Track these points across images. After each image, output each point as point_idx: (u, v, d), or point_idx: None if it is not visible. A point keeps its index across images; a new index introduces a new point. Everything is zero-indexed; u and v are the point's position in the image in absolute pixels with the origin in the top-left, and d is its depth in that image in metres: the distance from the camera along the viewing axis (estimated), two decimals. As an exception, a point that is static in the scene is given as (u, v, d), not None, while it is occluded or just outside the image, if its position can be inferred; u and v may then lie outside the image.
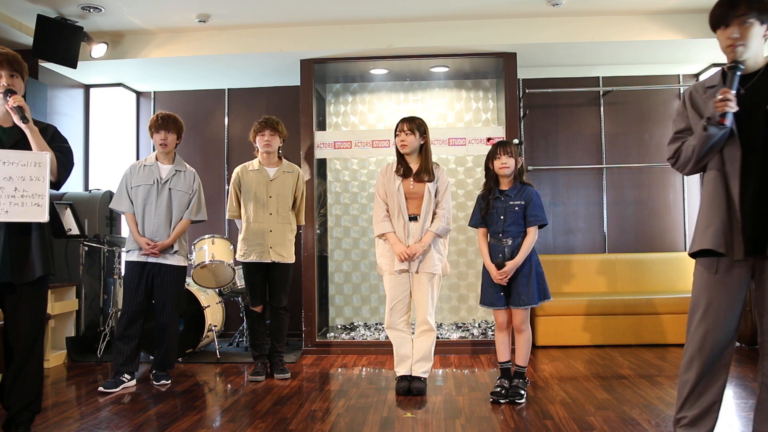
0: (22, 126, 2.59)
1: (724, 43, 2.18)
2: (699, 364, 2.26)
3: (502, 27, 4.94)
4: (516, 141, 3.63)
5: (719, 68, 2.29)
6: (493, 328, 5.33)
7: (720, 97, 2.09)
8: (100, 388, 3.81)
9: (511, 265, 3.41)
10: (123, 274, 4.12)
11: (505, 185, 3.53)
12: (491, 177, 3.56)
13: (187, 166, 4.15)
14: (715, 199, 2.19)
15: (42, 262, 2.66)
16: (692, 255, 2.29)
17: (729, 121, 2.09)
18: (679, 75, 5.76)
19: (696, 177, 5.39)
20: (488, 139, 3.71)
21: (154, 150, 4.15)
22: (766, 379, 2.20)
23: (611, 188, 5.85)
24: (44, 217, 2.57)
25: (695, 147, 2.20)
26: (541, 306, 4.81)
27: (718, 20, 2.18)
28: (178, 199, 4.04)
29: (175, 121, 4.06)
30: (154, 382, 4.00)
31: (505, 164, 3.47)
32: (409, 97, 5.90)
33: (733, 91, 2.09)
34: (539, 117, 5.87)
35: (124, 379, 3.90)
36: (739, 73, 2.13)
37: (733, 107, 2.07)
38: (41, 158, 2.58)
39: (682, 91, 2.37)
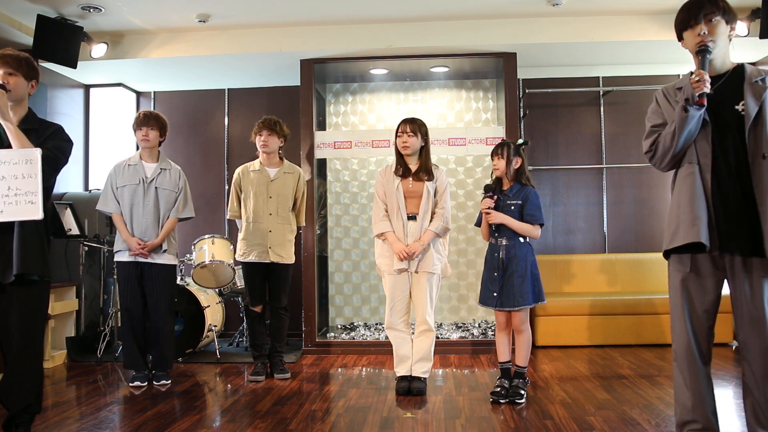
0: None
1: (692, 41, 2.25)
2: (685, 363, 2.31)
3: (502, 27, 4.94)
4: (520, 141, 3.62)
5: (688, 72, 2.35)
6: (493, 328, 5.33)
7: (696, 78, 2.15)
8: (131, 384, 3.92)
9: (498, 216, 3.42)
10: (115, 274, 4.14)
11: (505, 185, 3.54)
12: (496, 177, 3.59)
13: (172, 163, 4.16)
14: (698, 193, 2.22)
15: (19, 261, 2.57)
16: (670, 251, 2.30)
17: (707, 100, 2.16)
18: (679, 75, 5.75)
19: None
20: (501, 139, 3.72)
21: (139, 150, 4.14)
22: (747, 379, 2.22)
23: (611, 188, 5.85)
24: (38, 215, 2.51)
25: (674, 132, 2.24)
26: (541, 306, 4.83)
27: (686, 22, 2.27)
28: (165, 198, 4.04)
29: (157, 117, 4.07)
30: (154, 383, 4.01)
31: (495, 165, 3.52)
32: (409, 97, 5.90)
33: (705, 73, 2.16)
34: (539, 117, 5.87)
35: (146, 372, 4.04)
36: (709, 55, 2.21)
37: (708, 87, 2.14)
38: (32, 155, 2.52)
39: (675, 86, 2.43)
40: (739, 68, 2.26)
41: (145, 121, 4.02)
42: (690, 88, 2.17)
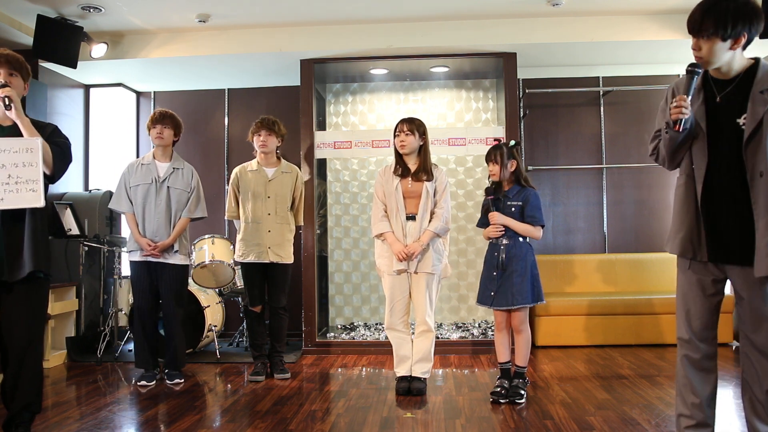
0: (13, 115, 2.59)
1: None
2: (684, 358, 2.33)
3: (502, 27, 4.94)
4: (512, 143, 3.61)
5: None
6: (493, 328, 5.33)
7: (674, 104, 2.14)
8: (139, 383, 3.95)
9: (500, 217, 3.45)
10: (129, 274, 4.17)
11: (505, 186, 3.54)
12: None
13: (185, 163, 4.16)
14: (684, 205, 2.28)
15: (32, 258, 2.61)
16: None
17: (683, 126, 2.15)
18: (679, 75, 5.75)
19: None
20: (495, 140, 3.70)
21: (152, 149, 4.16)
22: (747, 375, 2.23)
23: (611, 188, 5.85)
24: (40, 202, 2.55)
25: (663, 147, 2.29)
26: (542, 306, 4.83)
27: (689, 30, 2.20)
28: (177, 198, 4.05)
29: (171, 116, 4.09)
30: (168, 382, 4.03)
31: (491, 171, 3.53)
32: (409, 97, 5.90)
33: (689, 97, 2.14)
34: (539, 117, 5.87)
35: (155, 372, 4.07)
36: (696, 78, 2.18)
37: (686, 113, 2.13)
38: (32, 144, 2.56)
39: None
40: (752, 70, 2.18)
41: (159, 119, 4.04)
42: (669, 111, 2.17)
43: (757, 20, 2.13)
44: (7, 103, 2.57)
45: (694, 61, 2.18)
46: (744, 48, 2.19)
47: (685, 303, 2.33)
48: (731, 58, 2.17)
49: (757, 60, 2.21)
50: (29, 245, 2.62)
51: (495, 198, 3.53)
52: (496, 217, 3.47)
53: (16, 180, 2.51)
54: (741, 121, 2.13)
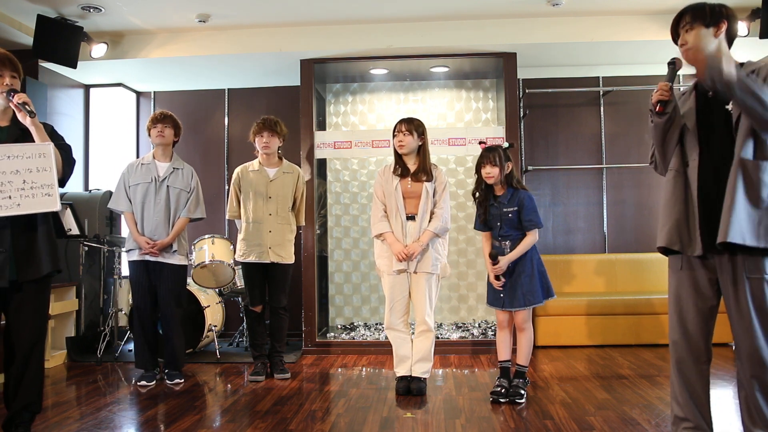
0: (28, 122, 2.59)
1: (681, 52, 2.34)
2: (677, 361, 2.34)
3: (502, 27, 4.94)
4: (506, 144, 3.60)
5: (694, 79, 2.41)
6: (493, 328, 5.34)
7: (656, 89, 2.27)
8: (139, 383, 3.95)
9: (504, 261, 3.42)
10: (127, 273, 4.17)
11: (498, 191, 3.52)
12: (483, 182, 3.54)
13: (185, 163, 4.17)
14: (673, 197, 2.31)
15: (50, 258, 2.68)
16: (660, 252, 2.41)
17: (666, 108, 2.26)
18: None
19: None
20: (480, 143, 3.68)
21: (152, 149, 4.17)
22: (741, 376, 2.24)
23: (611, 188, 5.85)
24: (56, 206, 2.59)
25: (653, 139, 2.38)
26: (541, 306, 4.82)
27: (674, 36, 2.37)
28: (176, 197, 4.05)
29: (172, 117, 4.12)
30: (168, 382, 4.03)
31: (489, 173, 3.47)
32: (409, 97, 5.90)
33: (671, 84, 2.28)
34: (539, 117, 5.87)
35: (155, 372, 4.08)
36: (677, 69, 2.34)
37: (665, 95, 2.24)
38: (45, 149, 2.59)
39: (681, 91, 2.52)
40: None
41: (161, 118, 4.07)
42: (651, 98, 2.28)
43: (733, 17, 2.30)
44: (29, 109, 2.57)
45: (676, 57, 2.33)
46: (729, 45, 2.29)
47: (678, 305, 2.33)
48: (717, 49, 2.25)
49: (743, 62, 2.29)
50: (45, 246, 2.67)
51: (491, 205, 3.52)
52: (500, 269, 3.43)
53: (31, 185, 2.54)
54: (729, 107, 2.21)
